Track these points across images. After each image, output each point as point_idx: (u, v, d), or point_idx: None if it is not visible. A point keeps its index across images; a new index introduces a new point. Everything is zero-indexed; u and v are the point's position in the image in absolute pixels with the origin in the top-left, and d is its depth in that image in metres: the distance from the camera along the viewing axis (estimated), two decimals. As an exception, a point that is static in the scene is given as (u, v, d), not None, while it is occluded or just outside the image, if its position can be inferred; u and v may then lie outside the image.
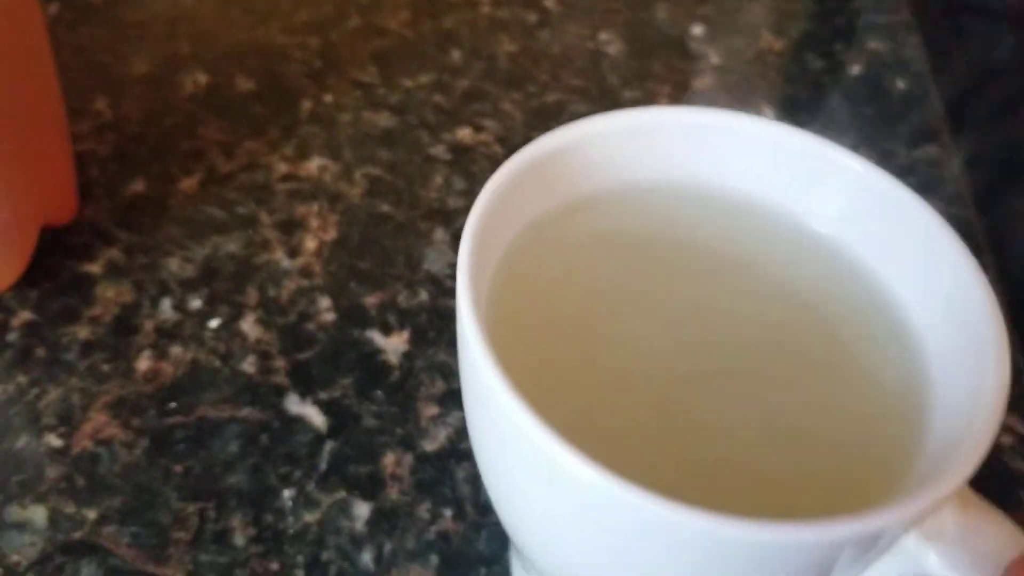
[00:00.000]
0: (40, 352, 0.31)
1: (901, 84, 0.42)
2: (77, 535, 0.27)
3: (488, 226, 0.20)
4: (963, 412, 0.18)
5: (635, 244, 0.23)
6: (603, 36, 0.44)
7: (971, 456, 0.16)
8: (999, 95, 0.46)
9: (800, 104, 0.41)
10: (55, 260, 0.33)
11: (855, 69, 0.43)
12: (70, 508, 0.28)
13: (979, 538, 0.17)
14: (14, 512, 0.27)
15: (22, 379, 0.30)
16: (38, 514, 0.27)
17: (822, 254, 0.22)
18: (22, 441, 0.29)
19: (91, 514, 0.27)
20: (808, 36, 0.45)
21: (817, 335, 0.21)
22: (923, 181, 0.38)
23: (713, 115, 0.23)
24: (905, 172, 0.38)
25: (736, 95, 0.41)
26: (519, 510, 0.20)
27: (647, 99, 0.40)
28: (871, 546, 0.16)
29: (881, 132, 0.40)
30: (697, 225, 0.23)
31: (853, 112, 0.41)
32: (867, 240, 0.22)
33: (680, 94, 0.41)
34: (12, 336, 0.31)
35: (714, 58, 0.43)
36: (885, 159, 0.39)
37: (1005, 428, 0.32)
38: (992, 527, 0.17)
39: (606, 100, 0.40)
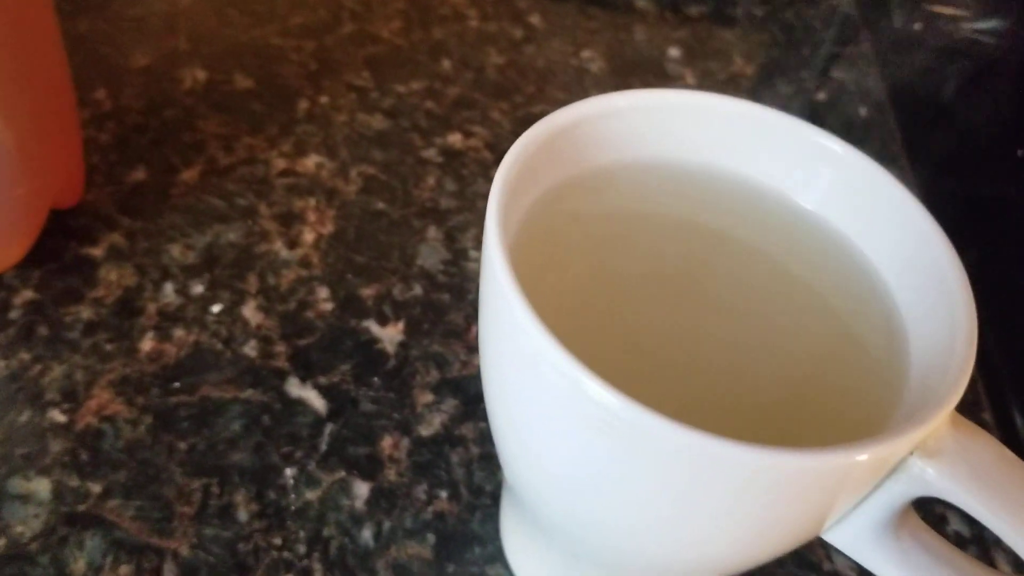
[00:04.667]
0: (43, 330, 0.31)
1: (863, 111, 0.45)
2: (81, 508, 0.28)
3: (511, 187, 0.22)
4: (939, 350, 0.20)
5: (640, 213, 0.25)
6: (585, 54, 0.45)
7: (959, 380, 0.19)
8: (950, 124, 0.49)
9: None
10: (57, 242, 0.33)
11: (820, 96, 0.46)
12: (74, 481, 0.28)
13: (973, 452, 0.19)
14: (18, 484, 0.28)
15: (25, 356, 0.31)
16: (42, 487, 0.28)
17: (809, 227, 0.25)
18: (25, 416, 0.29)
19: (95, 488, 0.28)
20: (777, 63, 0.47)
21: (807, 292, 0.24)
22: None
23: (714, 99, 0.25)
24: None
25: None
26: (531, 445, 0.21)
27: (628, 114, 0.42)
28: (881, 467, 0.19)
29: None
30: (698, 197, 0.25)
31: (819, 135, 0.44)
32: (848, 215, 0.25)
33: (659, 111, 0.43)
34: (14, 314, 0.32)
35: (690, 79, 0.45)
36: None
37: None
38: (982, 441, 0.19)
39: (589, 114, 0.42)
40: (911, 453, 0.19)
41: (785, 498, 0.19)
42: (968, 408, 0.36)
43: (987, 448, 0.20)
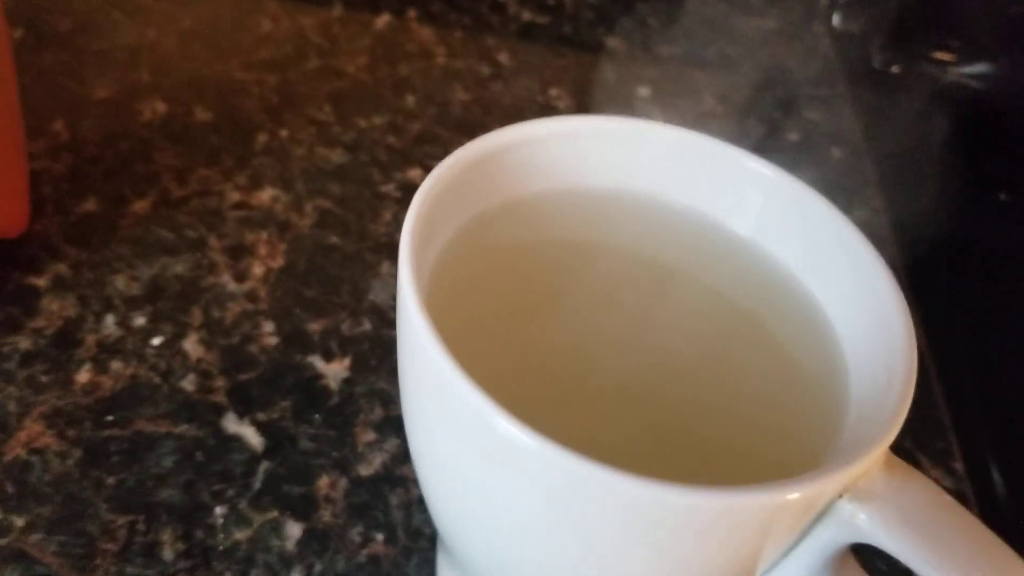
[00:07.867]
0: (-22, 361, 0.31)
1: (837, 152, 0.45)
2: (3, 541, 0.27)
3: (426, 221, 0.21)
4: (878, 387, 0.20)
5: (565, 244, 0.24)
6: (553, 91, 0.45)
7: (893, 418, 0.18)
8: (925, 165, 0.48)
9: (739, 165, 0.43)
10: (0, 271, 0.33)
11: (793, 136, 0.45)
12: (-3, 515, 0.27)
13: (906, 495, 0.18)
14: (-61, 517, 0.27)
15: (-43, 386, 0.30)
16: (-36, 519, 0.27)
17: (742, 253, 0.24)
18: (-47, 447, 0.29)
19: (19, 521, 0.27)
20: (749, 103, 0.47)
21: (740, 324, 0.23)
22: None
23: (637, 124, 0.24)
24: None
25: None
26: (449, 485, 0.21)
27: (594, 152, 0.42)
28: (807, 510, 0.18)
29: (815, 195, 0.42)
30: (626, 227, 0.25)
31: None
32: (783, 241, 0.24)
33: (626, 149, 0.42)
34: (-50, 344, 0.31)
35: (659, 117, 0.45)
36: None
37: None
38: (916, 485, 0.18)
39: (554, 151, 0.42)
40: (840, 496, 0.18)
41: (708, 540, 0.18)
42: (940, 457, 0.34)
43: (922, 492, 0.18)
